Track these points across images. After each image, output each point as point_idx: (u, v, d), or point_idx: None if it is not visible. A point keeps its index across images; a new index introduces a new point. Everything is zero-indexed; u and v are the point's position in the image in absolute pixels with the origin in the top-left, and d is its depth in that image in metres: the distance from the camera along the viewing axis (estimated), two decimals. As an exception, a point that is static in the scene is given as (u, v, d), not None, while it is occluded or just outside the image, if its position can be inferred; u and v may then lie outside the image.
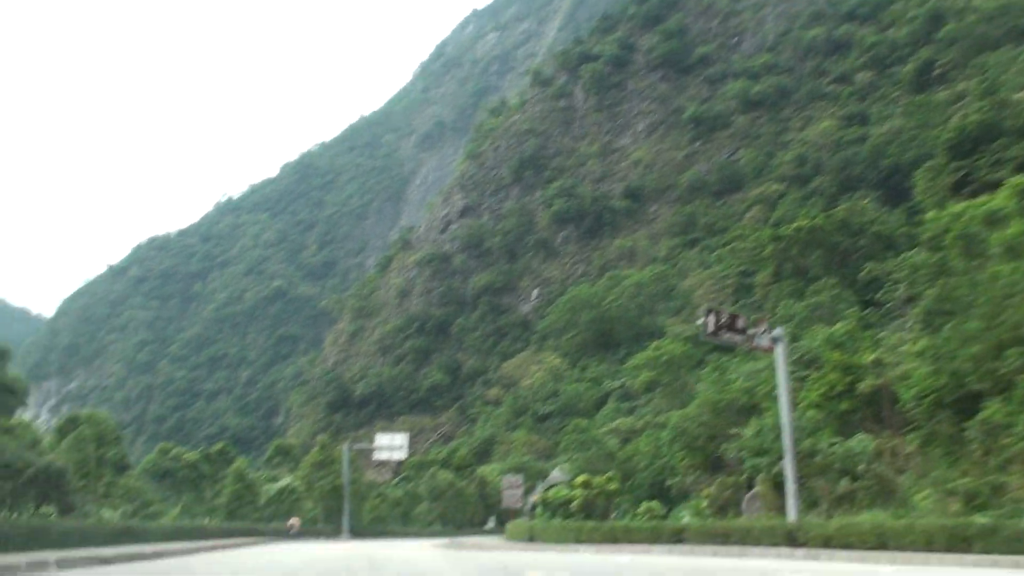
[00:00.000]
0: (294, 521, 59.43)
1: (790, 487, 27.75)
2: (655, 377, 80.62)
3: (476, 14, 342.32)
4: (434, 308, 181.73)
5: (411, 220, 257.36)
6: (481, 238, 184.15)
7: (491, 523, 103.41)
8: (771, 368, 69.74)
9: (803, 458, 54.52)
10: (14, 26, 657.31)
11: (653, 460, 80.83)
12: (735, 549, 27.11)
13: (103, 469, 39.20)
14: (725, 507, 48.27)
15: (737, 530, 27.65)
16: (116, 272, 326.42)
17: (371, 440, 75.50)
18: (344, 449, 69.49)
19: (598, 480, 41.28)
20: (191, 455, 64.14)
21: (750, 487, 59.78)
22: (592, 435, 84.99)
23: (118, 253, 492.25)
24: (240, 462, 66.19)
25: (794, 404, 60.85)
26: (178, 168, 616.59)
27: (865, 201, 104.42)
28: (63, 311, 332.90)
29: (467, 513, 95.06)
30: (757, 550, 26.12)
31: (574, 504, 40.73)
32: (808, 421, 50.00)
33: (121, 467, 46.79)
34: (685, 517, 36.51)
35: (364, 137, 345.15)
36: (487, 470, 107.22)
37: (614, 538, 31.95)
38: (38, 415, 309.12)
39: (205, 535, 46.40)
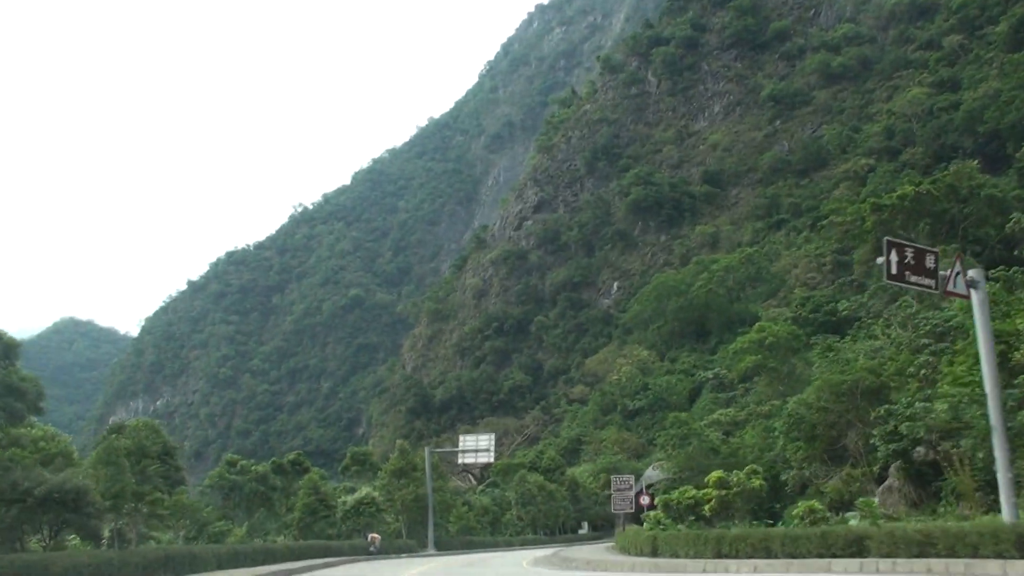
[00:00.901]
0: (374, 536, 53.11)
1: (1004, 476, 20.18)
2: (759, 362, 72.86)
3: (540, 9, 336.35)
4: (512, 307, 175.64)
5: (484, 222, 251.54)
6: (557, 232, 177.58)
7: (584, 528, 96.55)
8: (896, 345, 62.16)
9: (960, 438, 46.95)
10: (94, 49, 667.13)
11: (762, 453, 73.40)
12: (940, 564, 19.76)
13: (144, 487, 33.24)
14: (848, 504, 41.08)
15: (943, 535, 20.19)
16: (196, 288, 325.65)
17: (454, 444, 69.25)
18: (426, 454, 63.26)
19: (737, 476, 33.78)
20: (260, 467, 58.22)
21: (881, 479, 52.36)
22: (693, 428, 77.77)
23: (198, 269, 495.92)
24: (314, 473, 60.30)
25: (931, 382, 52.89)
26: (253, 181, 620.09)
27: (974, 162, 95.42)
28: (147, 330, 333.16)
29: (558, 518, 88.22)
30: (978, 563, 18.76)
31: (707, 507, 33.36)
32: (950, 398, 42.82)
33: (175, 482, 41.18)
34: (853, 519, 29.03)
35: (433, 141, 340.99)
36: (577, 472, 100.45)
37: (769, 550, 24.68)
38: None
39: (272, 557, 40.28)
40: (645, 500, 56.70)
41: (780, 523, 34.06)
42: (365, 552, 52.01)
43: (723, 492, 32.05)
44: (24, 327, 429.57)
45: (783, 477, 55.17)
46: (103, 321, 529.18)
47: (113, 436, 36.74)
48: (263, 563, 38.97)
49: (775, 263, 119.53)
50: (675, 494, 37.35)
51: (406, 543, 59.61)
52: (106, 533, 40.76)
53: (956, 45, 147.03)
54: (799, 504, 29.87)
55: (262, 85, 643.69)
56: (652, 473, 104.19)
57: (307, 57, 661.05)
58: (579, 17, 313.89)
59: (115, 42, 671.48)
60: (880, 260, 22.57)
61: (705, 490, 36.42)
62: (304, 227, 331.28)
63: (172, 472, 41.48)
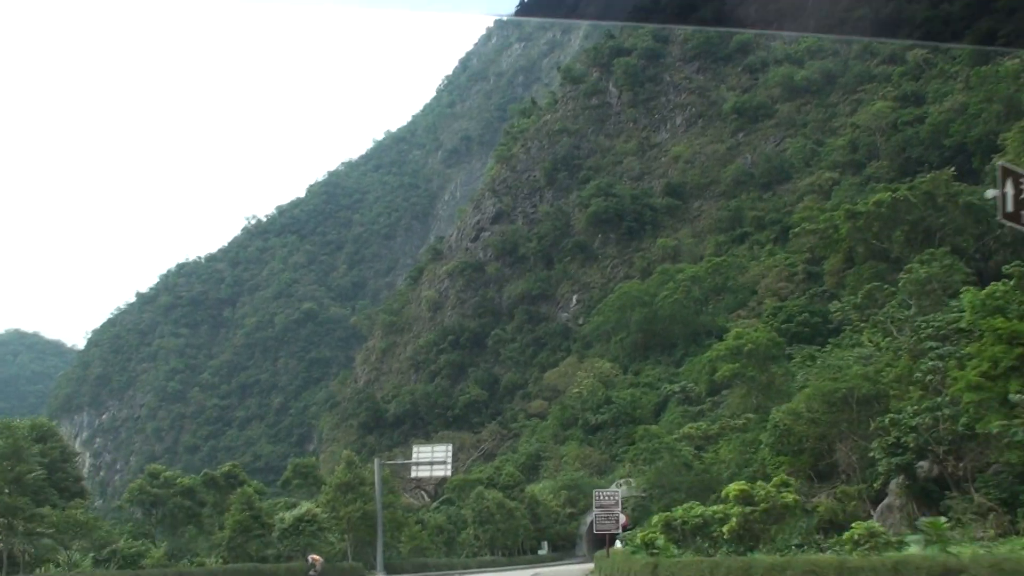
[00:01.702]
0: (315, 559, 46.14)
1: None
2: (737, 370, 66.88)
3: (499, 25, 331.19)
4: (468, 320, 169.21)
5: (440, 236, 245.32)
6: (515, 244, 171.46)
7: (544, 548, 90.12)
8: (892, 350, 56.32)
9: (974, 451, 41.05)
10: (30, 54, 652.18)
11: (740, 469, 67.49)
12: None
13: (19, 499, 26.57)
14: (843, 525, 35.14)
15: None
16: (145, 300, 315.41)
17: (407, 458, 62.57)
18: (375, 466, 56.58)
19: (764, 489, 26.99)
20: (187, 479, 51.40)
21: (879, 498, 46.50)
22: (664, 442, 71.76)
23: (148, 281, 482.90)
24: (248, 487, 53.52)
25: (936, 391, 46.96)
26: (205, 192, 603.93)
27: (951, 170, 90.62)
28: (93, 342, 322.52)
29: (518, 538, 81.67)
30: None
31: (726, 527, 26.74)
32: (965, 406, 37.26)
33: (73, 494, 34.52)
34: (914, 544, 22.68)
35: (390, 155, 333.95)
36: (536, 489, 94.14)
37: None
38: (73, 447, 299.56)
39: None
40: (621, 519, 50.53)
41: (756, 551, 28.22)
42: (305, 578, 45.36)
43: (747, 509, 25.53)
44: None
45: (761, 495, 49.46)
46: (49, 333, 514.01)
47: (-8, 438, 29.82)
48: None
49: (743, 274, 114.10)
50: (678, 511, 30.98)
51: (352, 567, 52.81)
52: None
53: (920, 59, 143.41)
54: (854, 526, 23.55)
55: (215, 95, 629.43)
56: (616, 490, 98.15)
57: (263, 69, 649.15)
58: (538, 33, 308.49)
59: (73, 48, 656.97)
60: (992, 193, 16.30)
61: (718, 507, 30.16)
62: (257, 239, 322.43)
63: (70, 483, 34.59)
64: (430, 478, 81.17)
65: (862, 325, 62.79)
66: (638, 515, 75.23)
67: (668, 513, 31.95)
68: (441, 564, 64.04)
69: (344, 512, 54.13)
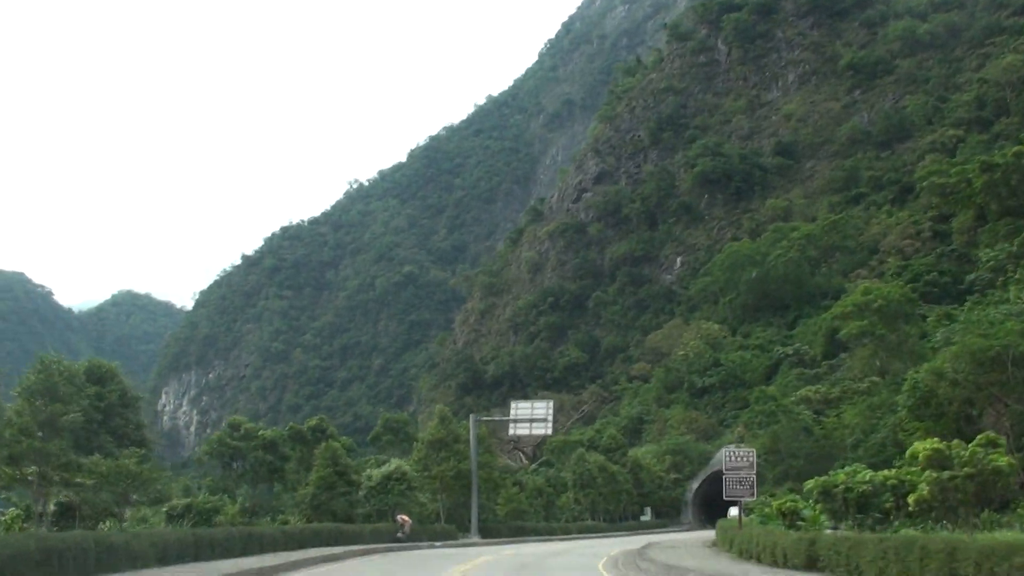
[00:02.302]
0: (404, 519, 41.59)
1: None
2: (865, 328, 60.21)
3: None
4: (568, 282, 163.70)
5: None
6: (618, 205, 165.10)
7: (647, 515, 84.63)
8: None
9: None
10: (156, 27, 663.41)
11: (866, 435, 61.18)
12: None
13: (52, 444, 22.32)
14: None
15: None
16: (250, 263, 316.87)
17: (505, 415, 57.44)
18: (471, 422, 51.71)
19: (965, 450, 20.59)
20: (268, 432, 47.24)
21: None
22: (781, 405, 65.61)
23: (253, 244, 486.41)
24: (335, 441, 49.17)
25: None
26: (309, 157, 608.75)
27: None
28: (201, 303, 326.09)
29: (620, 504, 76.28)
30: None
31: (914, 496, 20.70)
32: None
33: (133, 442, 30.38)
34: None
35: (491, 119, 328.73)
36: (639, 453, 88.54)
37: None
38: (180, 406, 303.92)
39: (257, 546, 29.00)
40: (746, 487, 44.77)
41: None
42: (391, 538, 40.64)
43: (944, 475, 19.52)
44: (84, 299, 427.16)
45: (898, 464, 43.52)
46: (160, 295, 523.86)
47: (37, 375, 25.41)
48: (241, 554, 27.68)
49: (862, 233, 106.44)
50: (839, 476, 25.19)
51: (444, 528, 48.06)
52: (51, 507, 29.85)
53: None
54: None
55: (322, 62, 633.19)
56: (750, 451, 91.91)
57: (368, 35, 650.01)
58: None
59: (179, 20, 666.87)
60: None
61: (897, 471, 24.32)
62: (359, 203, 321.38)
63: (130, 430, 30.29)
64: (529, 437, 76.11)
65: (1013, 278, 55.93)
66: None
67: (826, 478, 26.07)
68: (540, 528, 59.06)
69: (437, 471, 49.39)
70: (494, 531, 52.45)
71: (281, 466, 45.82)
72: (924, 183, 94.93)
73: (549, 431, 52.08)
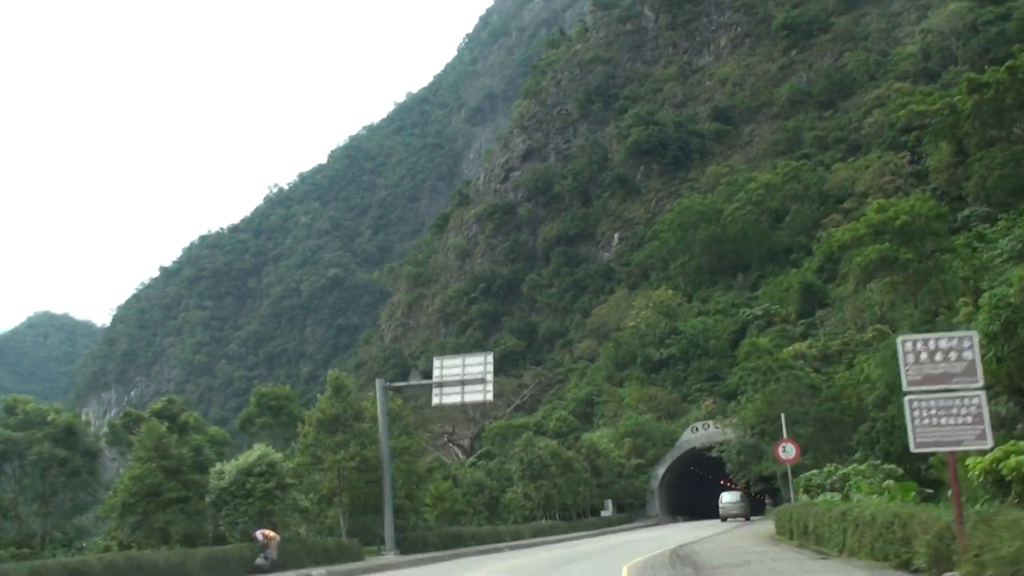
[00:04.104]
0: (268, 536, 25.30)
1: None
2: (887, 252, 45.01)
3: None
4: (500, 266, 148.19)
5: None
6: (548, 183, 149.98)
7: (608, 509, 69.47)
8: None
9: None
10: (50, 38, 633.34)
11: (892, 391, 46.66)
12: None
13: None
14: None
15: None
16: (169, 274, 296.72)
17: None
18: (377, 389, 36.01)
19: None
20: (64, 416, 31.20)
21: None
22: (778, 359, 50.52)
23: (172, 255, 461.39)
24: (200, 435, 33.15)
25: None
26: (226, 162, 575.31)
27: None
28: (119, 318, 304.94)
29: (578, 497, 60.82)
30: None
31: None
32: None
33: None
34: None
35: (412, 116, 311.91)
36: (594, 437, 73.33)
37: None
38: (100, 427, 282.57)
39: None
40: (787, 452, 29.68)
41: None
42: (249, 567, 24.58)
43: None
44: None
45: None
46: (79, 314, 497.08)
47: None
48: None
49: (826, 181, 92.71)
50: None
51: (341, 544, 31.90)
52: None
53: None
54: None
55: (231, 65, 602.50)
56: (692, 435, 77.01)
57: (279, 34, 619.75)
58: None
59: (82, 26, 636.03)
60: None
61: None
62: (280, 208, 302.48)
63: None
64: (460, 410, 60.58)
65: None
66: (745, 458, 54.31)
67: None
68: (483, 535, 43.21)
69: (332, 461, 33.39)
70: (419, 543, 36.65)
71: (83, 467, 29.44)
72: (901, 112, 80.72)
73: (489, 396, 36.09)
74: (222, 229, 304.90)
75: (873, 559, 13.25)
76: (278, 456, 29.34)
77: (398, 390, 40.88)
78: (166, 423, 33.94)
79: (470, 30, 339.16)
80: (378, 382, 36.76)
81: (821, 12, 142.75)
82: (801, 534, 18.68)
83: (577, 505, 61.59)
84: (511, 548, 39.42)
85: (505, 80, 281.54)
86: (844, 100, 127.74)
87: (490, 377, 35.53)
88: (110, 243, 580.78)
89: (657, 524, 66.73)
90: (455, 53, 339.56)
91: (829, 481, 26.17)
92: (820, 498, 25.19)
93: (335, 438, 33.98)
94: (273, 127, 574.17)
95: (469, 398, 36.40)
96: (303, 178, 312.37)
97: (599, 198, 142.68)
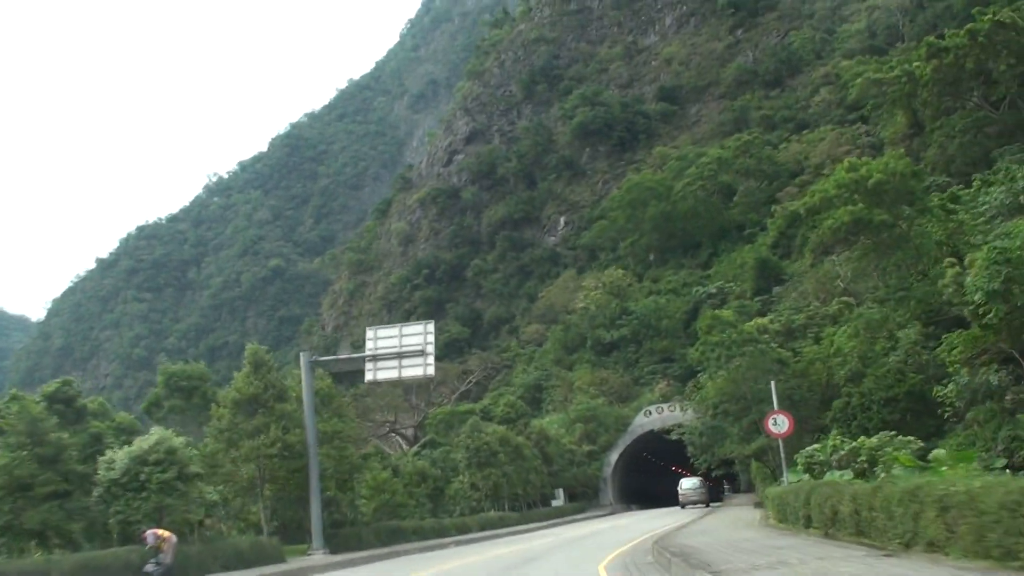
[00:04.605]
0: (160, 536, 20.63)
1: None
2: (861, 215, 41.13)
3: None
4: (444, 251, 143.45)
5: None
6: (493, 165, 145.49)
7: (559, 498, 65.48)
8: None
9: None
10: None
11: (867, 363, 43.09)
12: None
13: None
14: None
15: None
16: (105, 266, 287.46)
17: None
18: (303, 365, 31.66)
19: None
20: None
21: None
22: (744, 332, 46.70)
23: (108, 246, 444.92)
24: (103, 421, 28.30)
25: None
26: (164, 151, 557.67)
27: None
28: (54, 312, 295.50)
29: (529, 486, 56.71)
30: None
31: None
32: None
33: None
34: None
35: (354, 103, 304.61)
36: (544, 423, 69.33)
37: None
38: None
39: None
40: (779, 425, 25.67)
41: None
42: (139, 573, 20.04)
43: None
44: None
45: (938, 394, 26.76)
46: (12, 308, 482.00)
47: None
48: None
49: (784, 149, 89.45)
50: None
51: (259, 544, 27.36)
52: None
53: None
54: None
55: (169, 51, 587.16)
56: (645, 419, 73.30)
57: (217, 20, 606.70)
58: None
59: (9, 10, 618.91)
60: None
61: None
62: (219, 197, 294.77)
63: None
64: (403, 398, 55.98)
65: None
66: (708, 440, 50.54)
67: None
68: (425, 529, 38.84)
69: (248, 448, 28.87)
70: (353, 540, 32.25)
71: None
72: (858, 80, 77.32)
73: (430, 370, 31.44)
74: (160, 219, 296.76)
75: (980, 558, 9.29)
76: (179, 441, 24.75)
77: (326, 366, 36.18)
78: (59, 407, 29.18)
79: (412, 16, 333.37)
80: (302, 356, 32.30)
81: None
82: (827, 522, 14.77)
83: (527, 495, 57.47)
84: (457, 544, 35.20)
85: (448, 67, 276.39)
86: (791, 79, 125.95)
87: (431, 349, 31.12)
88: (44, 235, 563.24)
89: (611, 513, 62.87)
90: (397, 39, 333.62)
91: (835, 458, 22.27)
92: (827, 476, 21.32)
93: (254, 421, 29.49)
94: (212, 115, 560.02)
95: (407, 373, 31.85)
96: (243, 167, 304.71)
97: (544, 181, 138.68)
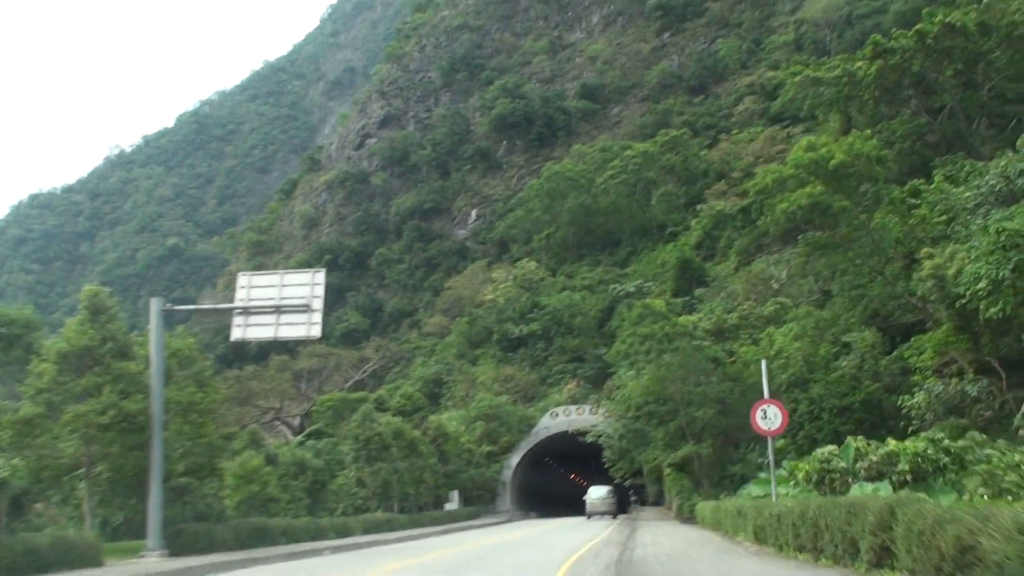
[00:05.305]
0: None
1: None
2: (819, 200, 36.02)
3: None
4: (348, 238, 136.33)
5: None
6: (406, 152, 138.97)
7: (454, 502, 59.46)
8: None
9: None
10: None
11: (811, 367, 38.18)
12: None
13: None
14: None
15: None
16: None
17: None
18: (152, 312, 25.19)
19: None
20: None
21: None
22: (677, 326, 41.41)
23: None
24: None
25: None
26: (64, 119, 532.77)
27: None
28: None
29: (423, 486, 50.59)
30: None
31: None
32: None
33: None
34: None
35: (268, 85, 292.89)
36: (442, 419, 63.20)
37: None
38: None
39: None
40: (769, 419, 19.94)
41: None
42: None
43: None
44: None
45: (903, 403, 21.50)
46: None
47: None
48: None
49: (713, 148, 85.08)
50: None
51: (66, 543, 20.66)
52: None
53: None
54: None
55: (80, 12, 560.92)
56: (550, 421, 67.81)
57: None
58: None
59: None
60: None
61: None
62: (120, 170, 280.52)
63: None
64: (271, 342, 48.81)
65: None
66: (628, 445, 45.14)
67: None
68: (298, 529, 32.34)
69: (75, 414, 22.33)
70: (202, 540, 25.73)
71: None
72: (795, 79, 73.01)
73: (316, 331, 24.67)
74: (55, 189, 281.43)
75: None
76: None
77: (188, 319, 29.68)
78: None
79: (335, 1, 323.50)
80: (153, 303, 25.65)
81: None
82: (877, 554, 9.34)
83: (420, 495, 51.34)
84: (335, 550, 28.96)
85: (367, 55, 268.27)
86: (716, 86, 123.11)
87: (318, 304, 24.70)
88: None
89: (509, 520, 57.09)
90: (317, 24, 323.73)
91: (863, 465, 16.89)
92: (855, 490, 15.93)
93: (83, 381, 22.93)
94: (119, 86, 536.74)
95: (287, 332, 25.31)
96: (148, 141, 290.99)
97: (458, 171, 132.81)
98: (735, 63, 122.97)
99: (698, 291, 65.10)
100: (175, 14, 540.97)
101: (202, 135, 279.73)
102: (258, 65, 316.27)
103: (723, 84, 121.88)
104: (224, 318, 26.74)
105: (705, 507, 29.98)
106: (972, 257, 28.50)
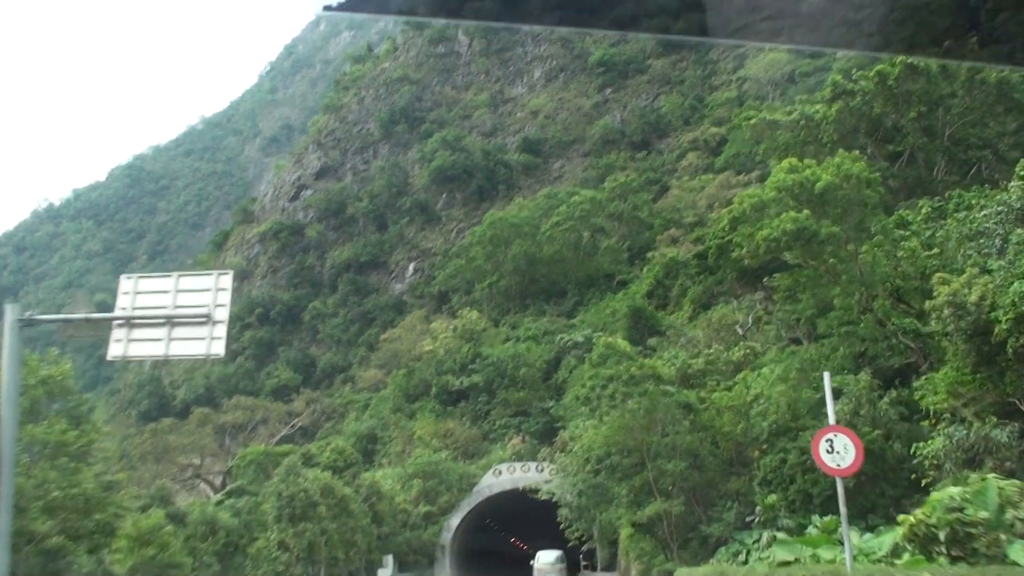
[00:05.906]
0: None
1: None
2: (805, 226, 31.63)
3: (329, 10, 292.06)
4: (281, 291, 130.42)
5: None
6: (342, 204, 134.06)
7: (388, 567, 53.48)
8: None
9: None
10: None
11: (796, 415, 33.41)
12: None
13: None
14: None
15: None
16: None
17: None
18: (7, 320, 19.15)
19: None
20: None
21: None
22: (646, 368, 36.69)
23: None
24: None
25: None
26: None
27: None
28: None
29: (353, 549, 44.81)
30: None
31: None
32: None
33: None
34: None
35: (204, 140, 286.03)
36: (376, 477, 57.60)
37: None
38: None
39: None
40: (837, 453, 15.15)
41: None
42: None
43: None
44: None
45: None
46: None
47: None
48: None
49: (666, 195, 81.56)
50: None
51: None
52: None
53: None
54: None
55: (13, 64, 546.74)
56: (493, 479, 62.40)
57: (71, 39, 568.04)
58: (369, 22, 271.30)
59: None
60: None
61: None
62: (48, 224, 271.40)
63: None
64: (163, 361, 42.98)
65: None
66: (586, 502, 39.96)
67: None
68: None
69: None
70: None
71: None
72: (750, 122, 69.67)
73: (219, 348, 18.60)
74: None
75: None
76: None
77: (54, 334, 24.00)
78: None
79: (273, 58, 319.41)
80: (8, 309, 19.86)
81: (639, 53, 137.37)
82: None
83: (350, 560, 45.57)
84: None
85: (305, 112, 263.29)
86: (659, 141, 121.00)
87: (223, 315, 18.97)
88: None
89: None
90: (256, 81, 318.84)
91: (1019, 516, 12.14)
92: (1012, 551, 11.20)
93: None
94: (49, 138, 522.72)
95: (181, 349, 19.11)
96: (78, 195, 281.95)
97: (396, 224, 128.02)
98: (678, 119, 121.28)
99: (652, 340, 60.62)
100: (111, 67, 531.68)
101: (135, 189, 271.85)
102: (194, 120, 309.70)
103: (666, 140, 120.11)
104: (101, 331, 21.10)
105: (692, 575, 24.93)
106: (998, 280, 24.42)
